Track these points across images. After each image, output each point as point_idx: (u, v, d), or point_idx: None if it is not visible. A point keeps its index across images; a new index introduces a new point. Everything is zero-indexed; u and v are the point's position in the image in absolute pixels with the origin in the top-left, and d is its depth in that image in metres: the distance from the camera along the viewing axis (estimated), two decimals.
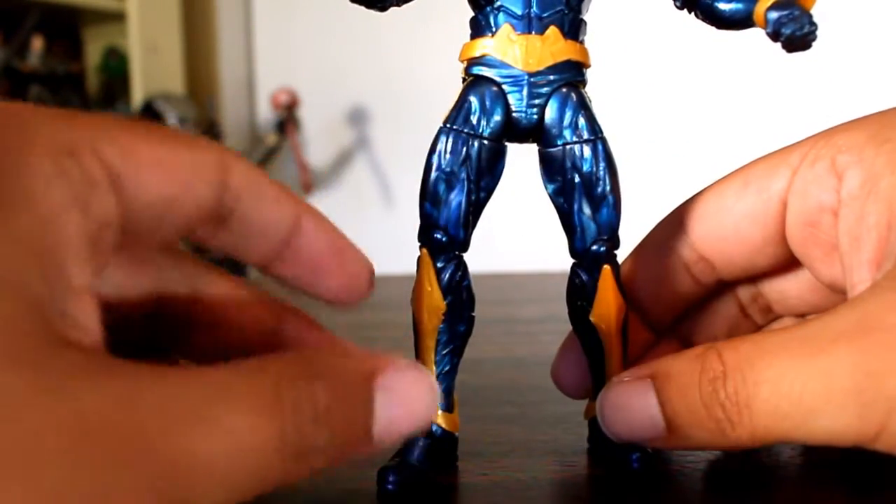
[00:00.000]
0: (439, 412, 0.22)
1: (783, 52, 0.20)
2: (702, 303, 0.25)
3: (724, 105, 1.55)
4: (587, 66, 0.21)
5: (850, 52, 1.40)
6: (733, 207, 0.23)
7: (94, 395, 0.13)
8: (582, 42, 0.21)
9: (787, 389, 0.17)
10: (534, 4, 0.20)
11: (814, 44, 0.20)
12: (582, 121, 0.21)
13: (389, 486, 0.20)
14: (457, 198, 0.21)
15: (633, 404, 0.19)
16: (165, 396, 0.13)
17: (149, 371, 0.14)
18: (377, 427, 0.16)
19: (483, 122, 0.21)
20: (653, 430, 0.19)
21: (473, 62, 0.21)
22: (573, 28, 0.21)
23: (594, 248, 0.21)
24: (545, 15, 0.20)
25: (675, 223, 0.24)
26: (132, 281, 0.21)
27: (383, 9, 0.21)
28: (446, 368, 0.22)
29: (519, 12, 0.20)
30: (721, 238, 0.23)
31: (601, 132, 0.21)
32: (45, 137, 0.15)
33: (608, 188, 0.21)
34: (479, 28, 0.21)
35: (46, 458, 0.12)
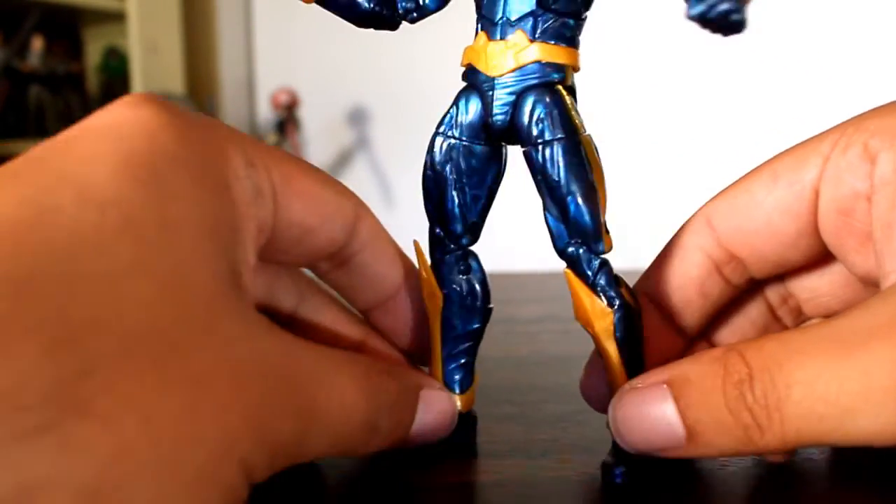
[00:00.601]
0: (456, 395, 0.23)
1: (719, 37, 0.19)
2: (731, 306, 0.24)
3: (732, 106, 1.55)
4: (566, 65, 0.21)
5: (852, 49, 1.40)
6: (764, 201, 0.22)
7: (268, 343, 0.17)
8: (564, 43, 0.21)
9: (823, 390, 0.16)
10: (506, 10, 0.21)
11: (744, 25, 0.18)
12: (544, 123, 0.21)
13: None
14: (447, 196, 0.22)
15: (649, 412, 0.18)
16: (307, 356, 0.18)
17: (292, 336, 0.18)
18: (414, 428, 0.21)
19: (462, 126, 0.22)
20: (671, 439, 0.18)
21: (465, 68, 0.22)
22: (548, 29, 0.21)
23: (569, 250, 0.21)
24: (515, 19, 0.21)
25: (701, 223, 0.23)
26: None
27: (394, 27, 0.22)
28: (461, 361, 0.24)
29: (493, 19, 0.21)
30: (752, 234, 0.22)
31: (566, 133, 0.21)
32: (236, 145, 0.19)
33: (566, 191, 0.21)
34: (474, 36, 0.22)
35: (231, 381, 0.15)
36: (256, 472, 0.16)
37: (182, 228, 0.16)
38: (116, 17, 1.96)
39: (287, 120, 1.91)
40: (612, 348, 0.21)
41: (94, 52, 2.13)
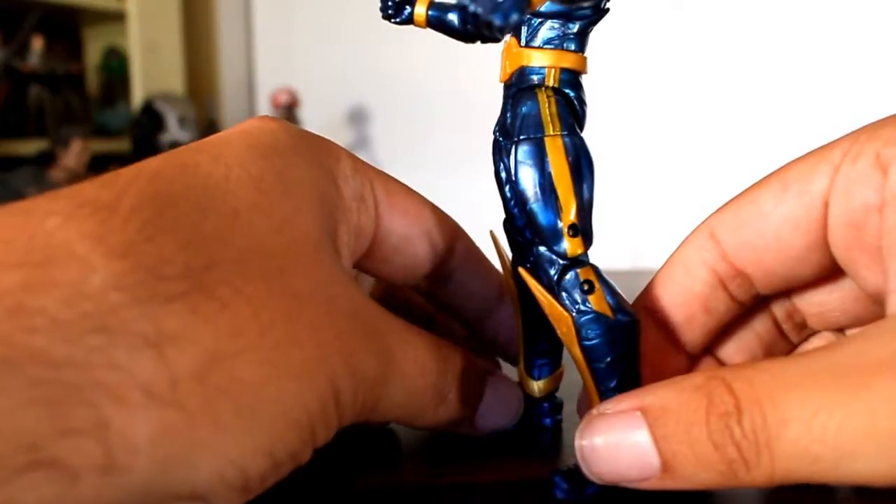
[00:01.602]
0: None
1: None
2: (735, 322, 0.23)
3: (733, 108, 1.55)
4: (547, 67, 0.21)
5: (858, 51, 1.40)
6: (772, 213, 0.21)
7: (357, 292, 0.19)
8: (552, 46, 0.21)
9: (820, 430, 0.15)
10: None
11: None
12: (514, 125, 0.21)
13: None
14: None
15: (620, 441, 0.17)
16: (388, 315, 0.20)
17: (375, 301, 0.20)
18: (480, 410, 0.22)
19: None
20: (644, 471, 0.17)
21: None
22: (537, 34, 0.21)
23: (533, 249, 0.21)
24: (512, 26, 0.21)
25: (705, 236, 0.22)
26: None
27: (499, 39, 0.21)
28: (541, 348, 0.24)
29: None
30: (760, 248, 0.21)
31: (528, 134, 0.21)
32: (344, 154, 0.22)
33: (522, 190, 0.21)
34: None
35: (325, 307, 0.18)
36: (343, 397, 0.17)
37: (296, 187, 0.19)
38: (116, 17, 1.96)
39: (287, 120, 1.91)
40: (577, 354, 0.21)
41: (94, 52, 2.13)
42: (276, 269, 0.18)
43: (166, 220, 0.17)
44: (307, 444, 0.17)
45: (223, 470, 0.15)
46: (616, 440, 0.17)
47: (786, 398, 0.16)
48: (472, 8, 0.16)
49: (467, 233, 0.25)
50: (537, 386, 0.24)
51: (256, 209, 0.18)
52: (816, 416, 0.15)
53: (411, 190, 0.24)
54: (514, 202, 0.22)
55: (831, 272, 0.21)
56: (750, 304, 0.23)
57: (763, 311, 0.23)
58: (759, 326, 0.24)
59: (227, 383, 0.15)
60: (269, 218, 0.18)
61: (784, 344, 0.24)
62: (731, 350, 0.24)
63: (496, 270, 0.26)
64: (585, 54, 0.22)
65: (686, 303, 0.22)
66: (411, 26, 0.22)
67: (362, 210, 0.22)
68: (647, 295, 0.23)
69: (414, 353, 0.20)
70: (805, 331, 0.24)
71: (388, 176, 0.23)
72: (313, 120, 1.99)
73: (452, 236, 0.24)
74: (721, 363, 0.24)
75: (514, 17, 0.16)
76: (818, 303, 0.23)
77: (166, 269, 0.16)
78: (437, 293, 0.25)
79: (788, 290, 0.23)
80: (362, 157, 0.23)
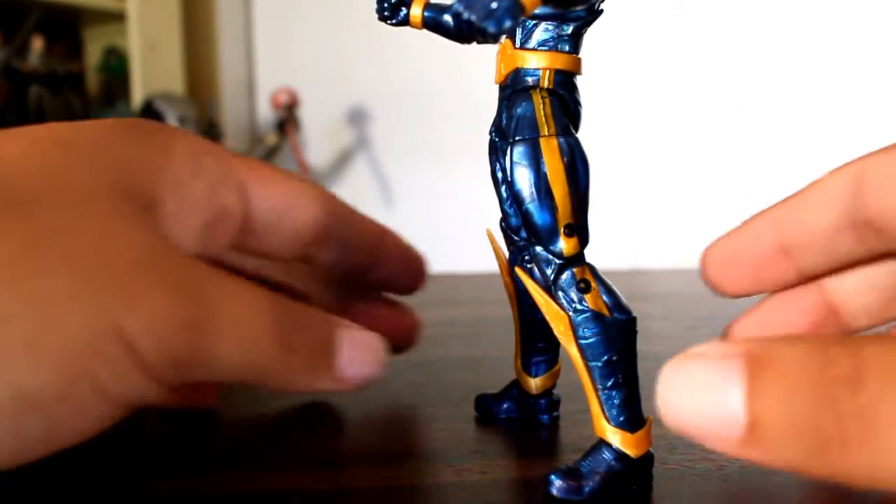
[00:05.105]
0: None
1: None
2: (861, 270, 0.22)
3: (734, 110, 1.55)
4: (542, 69, 0.21)
5: (851, 52, 1.40)
6: None
7: (153, 241, 0.19)
8: (546, 47, 0.21)
9: None
10: None
11: None
12: (509, 126, 0.21)
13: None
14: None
15: (710, 388, 0.14)
16: (201, 265, 0.19)
17: (193, 256, 0.20)
18: (340, 362, 0.22)
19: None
20: (728, 428, 0.14)
21: None
22: (531, 36, 0.21)
23: (530, 248, 0.22)
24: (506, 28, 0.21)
25: (851, 176, 0.20)
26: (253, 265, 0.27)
27: (493, 42, 0.21)
28: (538, 345, 0.25)
29: None
30: None
31: (523, 135, 0.21)
32: (187, 139, 0.22)
33: (518, 190, 0.21)
34: None
35: (100, 259, 0.17)
36: (135, 339, 0.17)
37: (76, 149, 0.19)
38: (116, 17, 1.96)
39: (287, 120, 1.91)
40: (574, 353, 0.21)
41: (94, 52, 2.13)
42: (29, 199, 0.17)
43: None
44: (79, 385, 0.16)
45: None
46: (706, 385, 0.14)
47: None
48: (465, 15, 0.16)
49: (337, 196, 0.26)
50: (534, 383, 0.25)
51: (24, 154, 0.18)
52: None
53: (277, 168, 0.25)
54: (510, 202, 0.22)
55: None
56: (875, 255, 0.21)
57: (889, 264, 0.21)
58: (880, 279, 0.22)
59: None
60: (34, 162, 0.18)
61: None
62: (847, 296, 0.22)
63: (370, 220, 0.28)
64: (580, 55, 0.22)
65: (810, 230, 0.21)
66: (408, 27, 0.22)
67: (222, 189, 0.22)
68: (776, 208, 0.21)
69: (237, 298, 0.19)
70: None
71: (253, 159, 0.24)
72: (313, 120, 1.99)
73: (324, 199, 0.25)
74: (833, 309, 0.22)
75: (508, 23, 0.16)
76: None
77: None
78: (327, 257, 0.26)
79: None
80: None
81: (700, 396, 0.14)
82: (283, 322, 0.20)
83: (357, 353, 0.22)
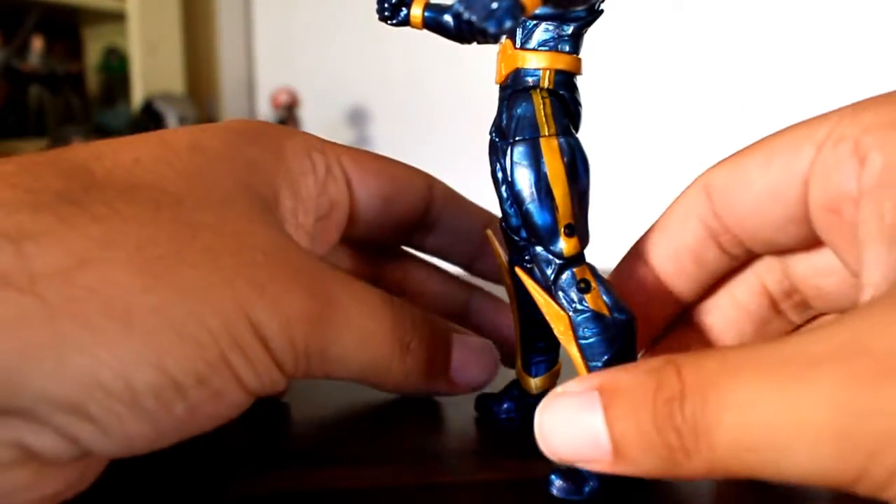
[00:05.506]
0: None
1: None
2: (728, 295, 0.24)
3: (735, 111, 1.55)
4: (542, 69, 0.21)
5: (846, 45, 1.40)
6: (755, 183, 0.21)
7: (286, 241, 0.20)
8: (547, 47, 0.21)
9: (754, 419, 0.14)
10: None
11: None
12: (510, 127, 0.21)
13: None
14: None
15: (576, 420, 0.16)
16: (327, 265, 0.21)
17: (317, 257, 0.21)
18: (455, 365, 0.23)
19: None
20: (596, 452, 0.16)
21: None
22: (531, 36, 0.21)
23: (530, 248, 0.22)
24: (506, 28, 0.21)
25: (699, 190, 0.23)
26: (355, 262, 0.28)
27: (495, 41, 0.21)
28: (538, 345, 0.25)
29: None
30: (743, 213, 0.22)
31: (524, 135, 0.21)
32: (299, 136, 0.23)
33: (518, 190, 0.21)
34: None
35: (238, 256, 0.18)
36: (267, 331, 0.18)
37: (210, 151, 0.21)
38: (116, 17, 1.96)
39: (287, 120, 1.91)
40: (574, 353, 0.21)
41: (94, 52, 2.13)
42: (171, 200, 0.18)
43: (60, 165, 0.18)
44: (218, 371, 0.17)
45: (97, 372, 0.15)
46: (572, 419, 0.17)
47: (727, 385, 0.15)
48: (466, 15, 0.16)
49: (441, 179, 0.26)
50: (534, 383, 0.25)
51: (161, 160, 0.19)
52: (752, 403, 0.15)
53: (378, 155, 0.25)
54: (510, 202, 0.22)
55: (819, 243, 0.21)
56: (743, 258, 0.23)
57: (758, 288, 0.24)
58: (752, 303, 0.24)
59: (97, 284, 0.16)
60: (171, 167, 0.19)
61: (781, 322, 0.24)
62: (721, 324, 0.24)
63: (478, 207, 0.27)
64: (580, 55, 0.22)
65: (677, 253, 0.23)
66: (409, 28, 0.22)
67: (330, 182, 0.23)
68: (640, 244, 0.23)
69: (360, 297, 0.20)
70: (809, 311, 0.24)
71: (355, 149, 0.24)
72: (313, 120, 1.99)
73: (428, 184, 0.26)
74: (707, 336, 0.24)
75: (508, 24, 0.16)
76: (815, 285, 0.23)
77: (43, 190, 0.17)
78: (431, 245, 0.27)
79: (785, 267, 0.23)
80: None
81: (570, 430, 0.17)
82: (402, 324, 0.21)
83: (471, 358, 0.23)
